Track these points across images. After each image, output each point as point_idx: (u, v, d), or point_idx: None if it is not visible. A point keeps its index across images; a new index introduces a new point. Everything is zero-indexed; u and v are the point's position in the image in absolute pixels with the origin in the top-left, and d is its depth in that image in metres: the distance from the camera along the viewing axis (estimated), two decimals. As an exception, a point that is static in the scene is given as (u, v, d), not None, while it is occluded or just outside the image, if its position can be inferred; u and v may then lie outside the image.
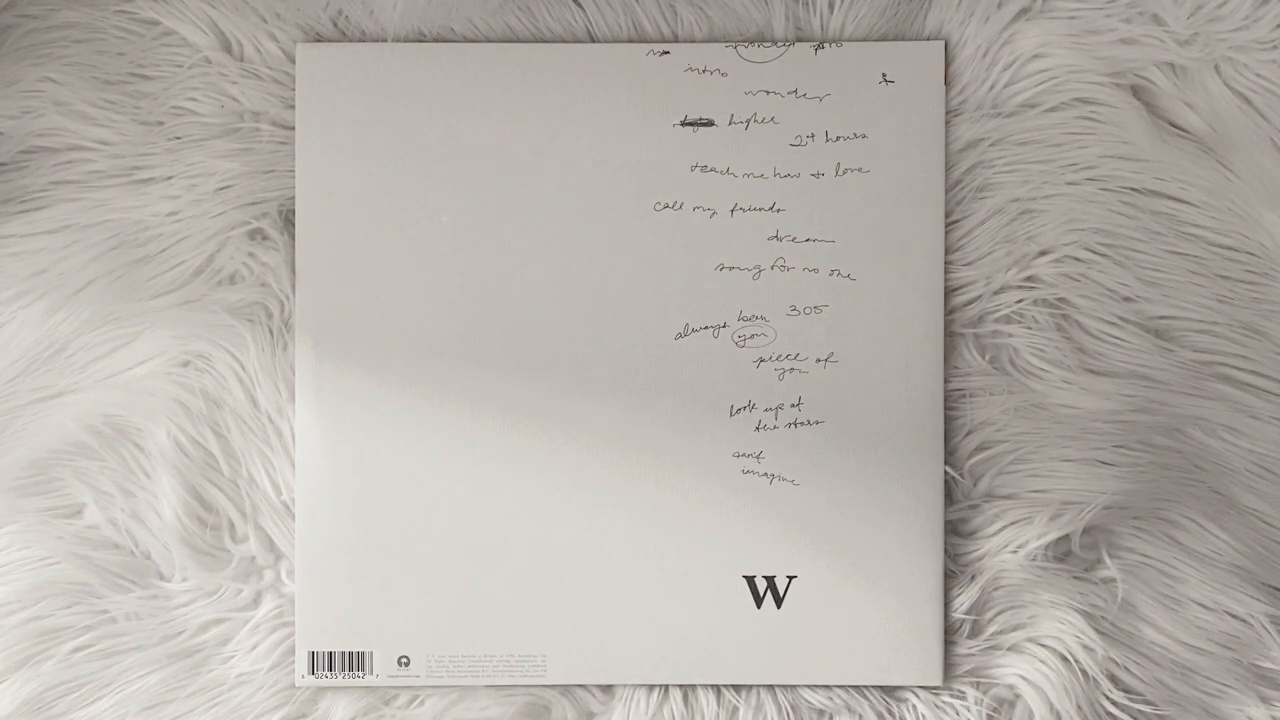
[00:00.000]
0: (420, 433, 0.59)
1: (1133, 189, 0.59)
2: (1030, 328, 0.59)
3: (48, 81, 0.59)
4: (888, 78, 0.59)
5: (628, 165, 0.59)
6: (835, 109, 0.59)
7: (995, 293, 0.59)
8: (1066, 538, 0.59)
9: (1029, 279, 0.59)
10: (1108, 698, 0.58)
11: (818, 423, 0.59)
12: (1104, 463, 0.58)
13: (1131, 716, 0.58)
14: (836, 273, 0.59)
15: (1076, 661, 0.58)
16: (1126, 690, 0.59)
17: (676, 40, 0.59)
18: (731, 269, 0.59)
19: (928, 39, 0.59)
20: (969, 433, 0.58)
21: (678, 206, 0.59)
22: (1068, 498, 0.58)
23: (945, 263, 0.59)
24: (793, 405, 0.59)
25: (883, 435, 0.59)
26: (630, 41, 0.59)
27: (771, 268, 0.59)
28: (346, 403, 0.59)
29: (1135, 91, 0.59)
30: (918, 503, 0.59)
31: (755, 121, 0.59)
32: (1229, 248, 0.59)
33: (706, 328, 0.59)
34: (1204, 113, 0.59)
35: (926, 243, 0.59)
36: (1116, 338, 0.58)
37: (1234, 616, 0.58)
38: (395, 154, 0.59)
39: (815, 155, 0.59)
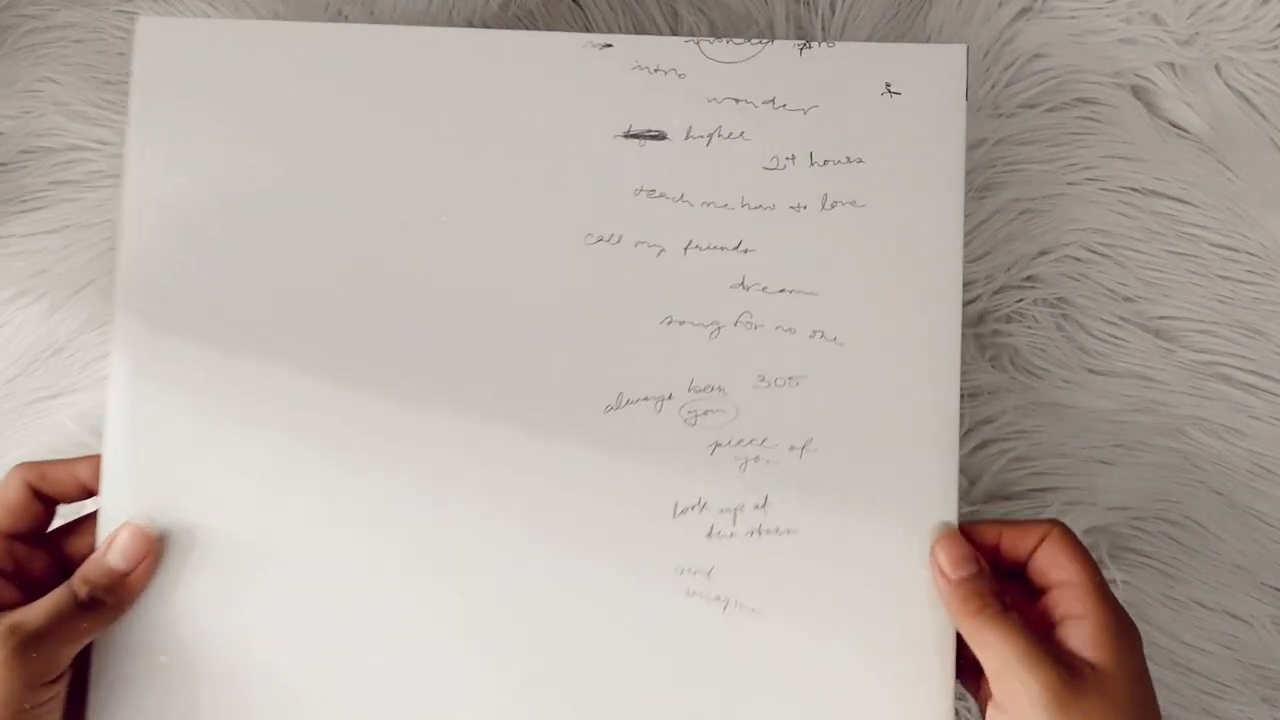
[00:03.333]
0: (276, 511, 0.45)
1: (1133, 189, 0.59)
2: (1030, 327, 0.59)
3: (48, 81, 0.59)
4: (892, 88, 0.46)
5: (555, 185, 0.46)
6: (824, 124, 0.46)
7: (995, 292, 0.59)
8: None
9: (1029, 279, 0.59)
10: (1108, 698, 0.58)
11: (789, 532, 0.45)
12: (1104, 462, 0.58)
13: (1132, 716, 0.58)
14: (819, 334, 0.45)
15: (1077, 661, 0.58)
16: (1127, 690, 0.59)
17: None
18: (682, 324, 0.45)
19: (943, 40, 0.51)
20: (968, 430, 0.58)
21: (615, 240, 0.46)
22: (1068, 498, 0.58)
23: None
24: (756, 507, 0.45)
25: (876, 554, 0.45)
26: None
27: (735, 324, 0.45)
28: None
29: (1135, 91, 0.59)
30: (924, 663, 0.44)
31: (720, 137, 0.46)
32: (1229, 248, 0.59)
33: (647, 399, 0.45)
34: (1204, 113, 0.59)
35: (938, 299, 0.46)
36: (1116, 338, 0.58)
37: (1235, 617, 0.58)
38: (257, 151, 0.46)
39: (796, 182, 0.46)
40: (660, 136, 0.46)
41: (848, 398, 0.45)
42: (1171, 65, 0.59)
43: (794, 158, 0.46)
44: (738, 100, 0.46)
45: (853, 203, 0.46)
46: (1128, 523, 0.59)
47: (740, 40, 0.47)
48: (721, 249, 0.46)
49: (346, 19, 0.59)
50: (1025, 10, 0.59)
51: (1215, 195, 0.59)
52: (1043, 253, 0.59)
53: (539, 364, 0.45)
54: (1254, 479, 0.59)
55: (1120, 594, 0.58)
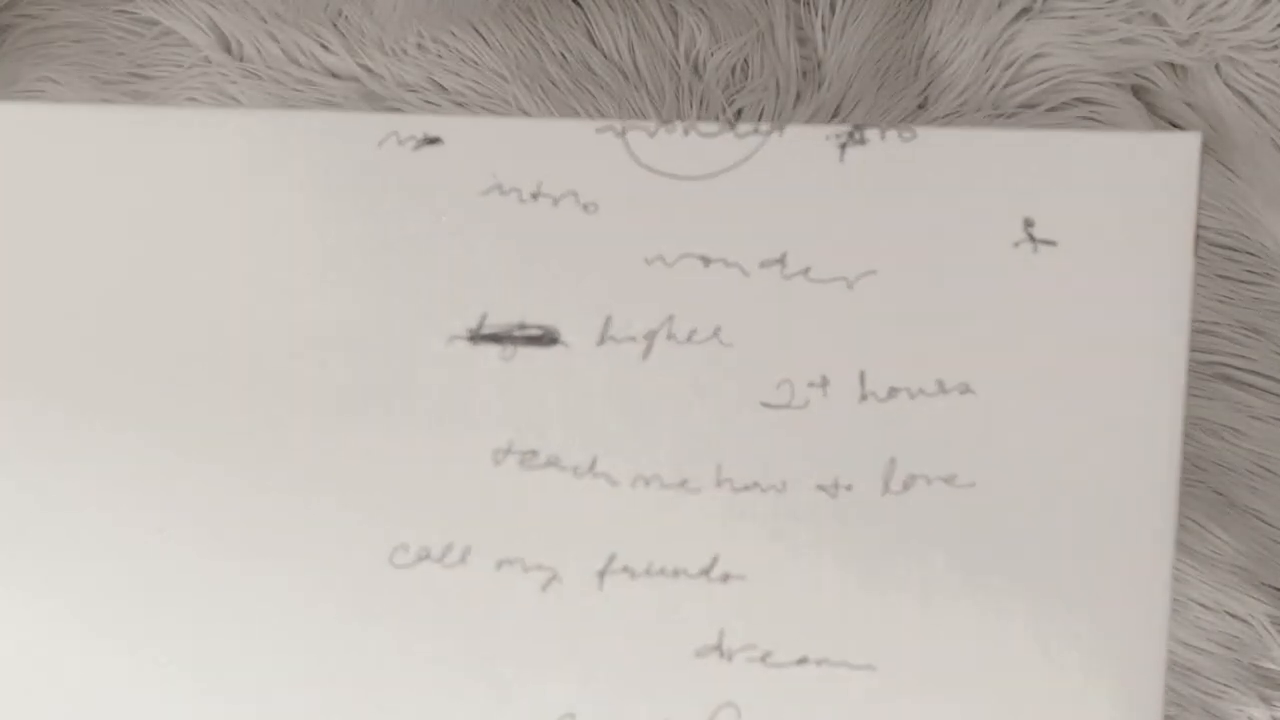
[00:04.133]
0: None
1: (1132, 190, 0.59)
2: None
3: (48, 81, 0.59)
4: (1034, 232, 0.34)
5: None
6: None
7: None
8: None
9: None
10: (1106, 697, 0.58)
11: None
12: (1100, 465, 0.58)
13: (1130, 715, 0.59)
14: None
15: (1071, 663, 0.58)
16: (1125, 689, 0.59)
17: (676, 41, 0.58)
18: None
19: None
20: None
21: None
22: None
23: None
24: None
25: None
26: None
27: None
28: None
29: (1135, 91, 0.59)
30: None
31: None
32: (1229, 248, 0.58)
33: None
34: (1204, 113, 0.58)
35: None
36: (1114, 340, 0.59)
37: (1235, 617, 0.58)
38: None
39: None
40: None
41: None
42: (1171, 65, 0.58)
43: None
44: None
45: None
46: (1126, 521, 0.59)
47: (672, 126, 0.34)
48: None
49: (346, 19, 0.59)
50: (1025, 10, 0.59)
51: (1215, 195, 0.58)
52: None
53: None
54: (1254, 479, 0.58)
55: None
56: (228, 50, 0.59)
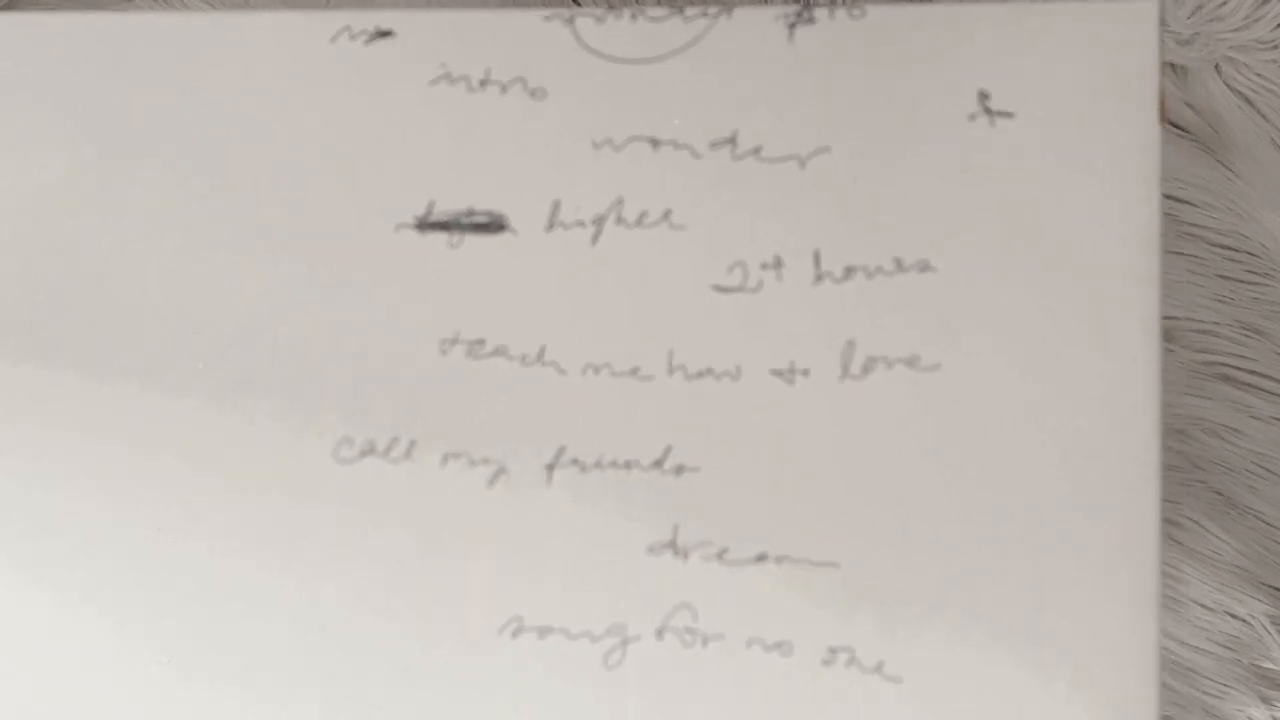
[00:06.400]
0: None
1: (1130, 187, 0.59)
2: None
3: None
4: (990, 104, 0.33)
5: None
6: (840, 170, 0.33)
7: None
8: (1071, 540, 0.57)
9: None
10: (1118, 711, 0.57)
11: None
12: (1107, 461, 0.57)
13: None
14: None
15: (1084, 668, 0.56)
16: (1137, 706, 0.57)
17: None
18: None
19: None
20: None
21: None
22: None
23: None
24: None
25: None
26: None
27: None
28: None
29: (1133, 97, 0.60)
30: None
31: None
32: (1229, 248, 0.58)
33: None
34: (1204, 113, 0.58)
35: None
36: (1116, 334, 0.58)
37: (1235, 617, 0.56)
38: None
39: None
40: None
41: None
42: (1171, 65, 0.58)
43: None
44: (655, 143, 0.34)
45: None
46: (1139, 540, 0.58)
47: (688, 10, 0.34)
48: None
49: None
50: None
51: (1215, 195, 0.58)
52: (1037, 249, 0.59)
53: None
54: (1254, 479, 0.57)
55: (1128, 605, 0.57)
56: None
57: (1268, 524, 0.57)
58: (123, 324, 0.34)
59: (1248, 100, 0.58)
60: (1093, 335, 0.32)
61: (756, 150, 0.32)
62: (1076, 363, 0.32)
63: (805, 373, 0.32)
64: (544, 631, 0.32)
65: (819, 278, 0.32)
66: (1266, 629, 0.56)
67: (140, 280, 0.34)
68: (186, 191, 0.34)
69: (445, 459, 0.33)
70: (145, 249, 0.34)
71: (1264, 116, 0.58)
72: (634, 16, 0.33)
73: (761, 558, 0.32)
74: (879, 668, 0.32)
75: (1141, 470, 0.32)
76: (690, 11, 0.33)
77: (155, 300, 0.34)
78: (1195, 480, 0.57)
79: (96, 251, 0.35)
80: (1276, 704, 0.56)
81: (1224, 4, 0.58)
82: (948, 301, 0.32)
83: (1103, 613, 0.31)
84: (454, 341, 0.33)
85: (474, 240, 0.33)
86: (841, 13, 0.32)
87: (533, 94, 0.33)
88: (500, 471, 0.33)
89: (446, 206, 0.33)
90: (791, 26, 0.32)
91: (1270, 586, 0.57)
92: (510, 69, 0.33)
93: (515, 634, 0.32)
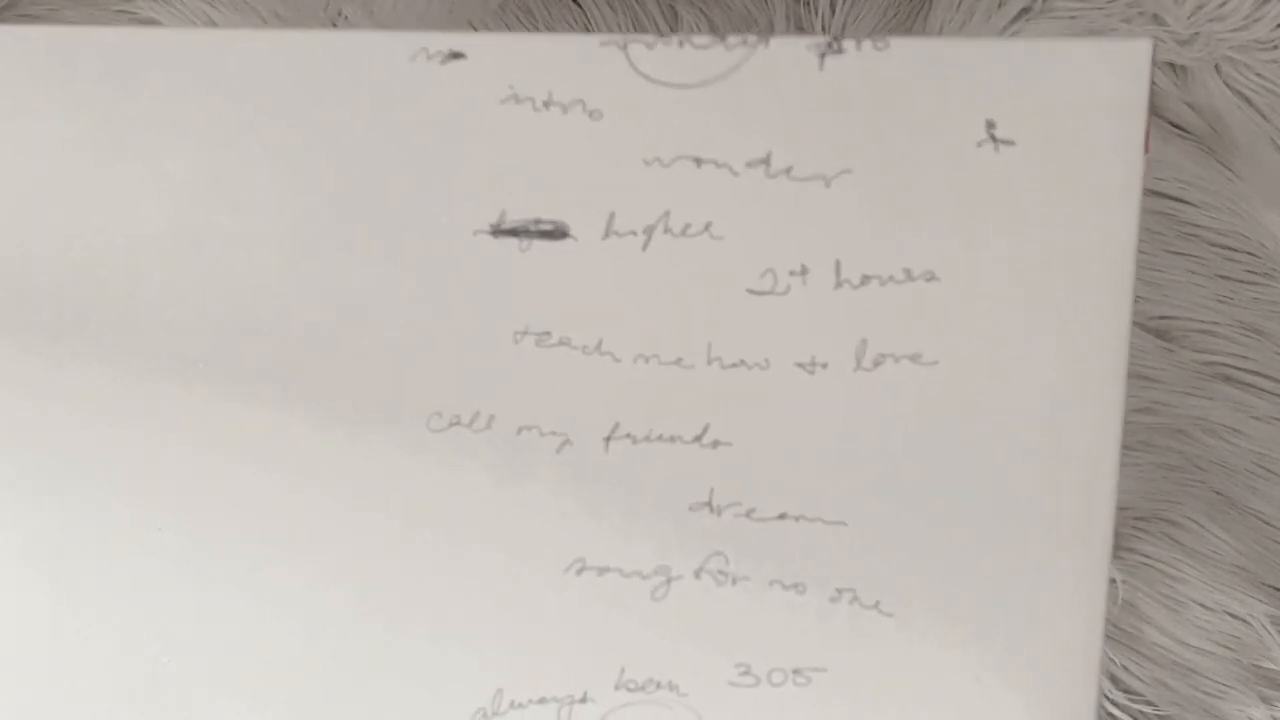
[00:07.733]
0: None
1: (1133, 189, 0.60)
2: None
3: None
4: (996, 133, 0.37)
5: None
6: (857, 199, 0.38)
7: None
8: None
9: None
10: (1108, 698, 0.58)
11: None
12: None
13: (1132, 717, 0.58)
14: None
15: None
16: (1127, 691, 0.59)
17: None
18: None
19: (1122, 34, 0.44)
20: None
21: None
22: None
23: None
24: None
25: None
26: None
27: None
28: None
29: (1134, 90, 0.61)
30: None
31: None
32: (1229, 248, 0.59)
33: None
34: (1204, 113, 0.59)
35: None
36: (1118, 338, 0.59)
37: (1235, 617, 0.58)
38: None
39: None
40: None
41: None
42: (1171, 65, 0.59)
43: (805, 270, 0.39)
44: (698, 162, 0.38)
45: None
46: (1128, 523, 0.58)
47: (728, 40, 0.38)
48: None
49: (346, 19, 0.61)
50: (1025, 10, 0.60)
51: (1215, 195, 0.59)
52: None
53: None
54: (1254, 479, 0.58)
55: (1121, 594, 0.58)
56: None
57: (1268, 524, 0.58)
58: (240, 326, 0.40)
59: (1248, 100, 0.59)
60: (1069, 340, 0.38)
61: (788, 170, 0.37)
62: (1051, 364, 0.38)
63: (824, 365, 0.38)
64: (602, 570, 0.39)
65: (839, 284, 0.37)
66: (1266, 629, 0.58)
67: (253, 281, 0.40)
68: (295, 203, 0.39)
69: (520, 430, 0.39)
70: (251, 252, 0.40)
71: (1264, 116, 0.59)
72: (681, 44, 0.37)
73: (782, 516, 0.39)
74: (876, 605, 0.39)
75: (1100, 454, 0.40)
76: (731, 40, 0.37)
77: (261, 302, 0.40)
78: (1195, 480, 0.58)
79: (203, 255, 0.40)
80: (1276, 704, 0.58)
81: (1224, 4, 0.59)
82: (948, 307, 0.37)
83: (1053, 569, 0.39)
84: (525, 333, 0.38)
85: (540, 245, 0.38)
86: (867, 44, 0.37)
87: (591, 115, 0.37)
88: (565, 442, 0.39)
89: (517, 215, 0.38)
90: (822, 56, 0.37)
91: (1270, 586, 0.58)
92: (570, 91, 0.38)
93: (579, 572, 0.39)
